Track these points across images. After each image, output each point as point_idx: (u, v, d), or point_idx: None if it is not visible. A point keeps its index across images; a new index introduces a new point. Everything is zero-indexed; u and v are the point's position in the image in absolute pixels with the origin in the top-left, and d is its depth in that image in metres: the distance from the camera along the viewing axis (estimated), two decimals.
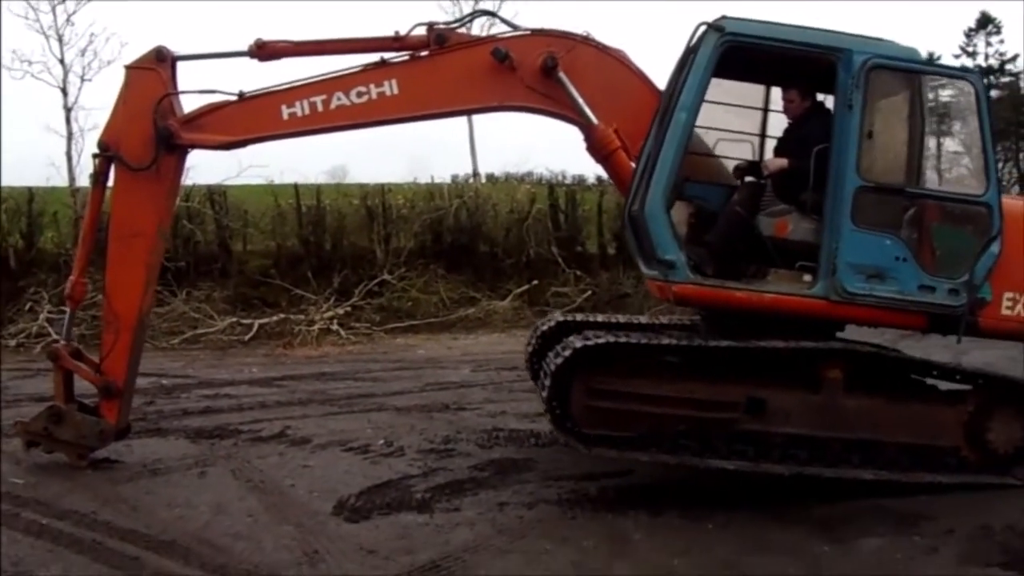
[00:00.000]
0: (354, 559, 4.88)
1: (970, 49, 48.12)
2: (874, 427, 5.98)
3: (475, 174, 23.88)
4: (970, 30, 48.05)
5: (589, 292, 15.83)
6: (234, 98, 6.34)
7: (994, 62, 47.60)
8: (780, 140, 6.73)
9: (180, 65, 6.53)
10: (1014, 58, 46.91)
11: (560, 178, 25.61)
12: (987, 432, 6.09)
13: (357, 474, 6.43)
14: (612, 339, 5.80)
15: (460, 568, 4.78)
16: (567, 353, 5.71)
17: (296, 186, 16.96)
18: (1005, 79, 47.49)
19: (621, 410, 5.77)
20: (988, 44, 47.90)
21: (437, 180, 19.27)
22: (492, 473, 6.44)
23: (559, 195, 17.96)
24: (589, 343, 5.73)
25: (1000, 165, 46.68)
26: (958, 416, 6.10)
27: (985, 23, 47.47)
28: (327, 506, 5.73)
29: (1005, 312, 6.11)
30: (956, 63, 46.50)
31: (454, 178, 24.24)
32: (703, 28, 5.97)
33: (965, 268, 5.94)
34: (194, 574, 4.66)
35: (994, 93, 47.29)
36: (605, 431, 5.78)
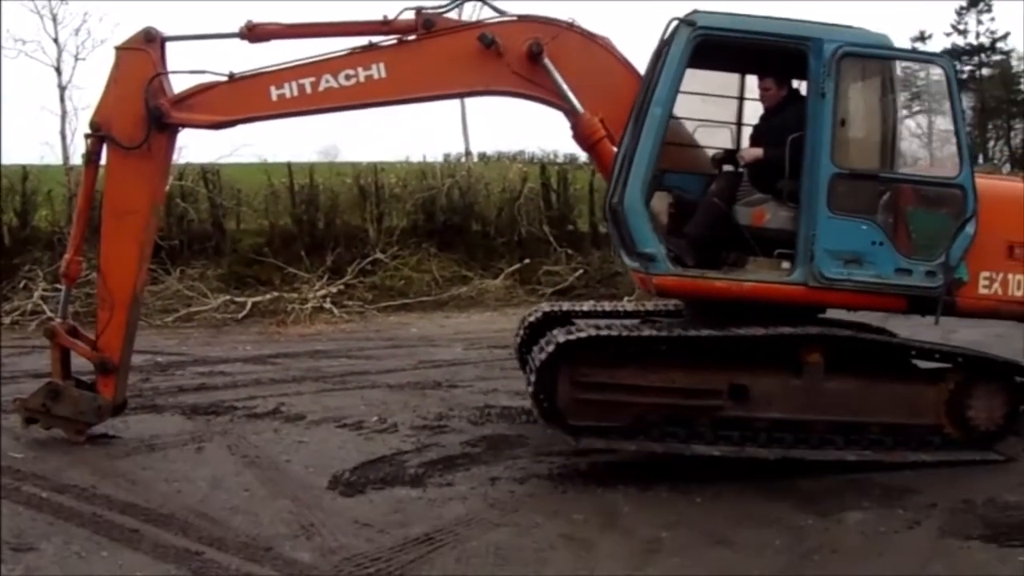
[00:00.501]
0: (349, 532, 4.98)
1: (961, 27, 48.13)
2: (856, 408, 6.07)
3: (467, 153, 23.92)
4: (961, 8, 48.02)
5: (580, 271, 15.86)
6: (224, 79, 6.37)
7: (985, 40, 47.63)
8: (756, 128, 6.78)
9: (171, 46, 6.54)
10: (1005, 36, 46.92)
11: (552, 157, 25.56)
12: (968, 409, 6.17)
13: (351, 450, 6.53)
14: (595, 332, 5.86)
15: (453, 540, 4.88)
16: (551, 348, 5.78)
17: (289, 165, 16.93)
18: (996, 57, 47.51)
19: (607, 401, 5.85)
20: (979, 22, 47.91)
21: (429, 159, 19.29)
22: (484, 449, 6.54)
23: (551, 174, 17.97)
24: (572, 337, 5.79)
25: (991, 143, 46.84)
26: (939, 394, 6.19)
27: (976, 1, 47.42)
28: (322, 481, 5.83)
29: (983, 291, 6.22)
30: (947, 41, 46.71)
31: (446, 157, 24.30)
32: (675, 23, 6.01)
33: (941, 250, 6.01)
34: (193, 546, 4.75)
35: (985, 71, 47.37)
36: (592, 422, 5.87)
